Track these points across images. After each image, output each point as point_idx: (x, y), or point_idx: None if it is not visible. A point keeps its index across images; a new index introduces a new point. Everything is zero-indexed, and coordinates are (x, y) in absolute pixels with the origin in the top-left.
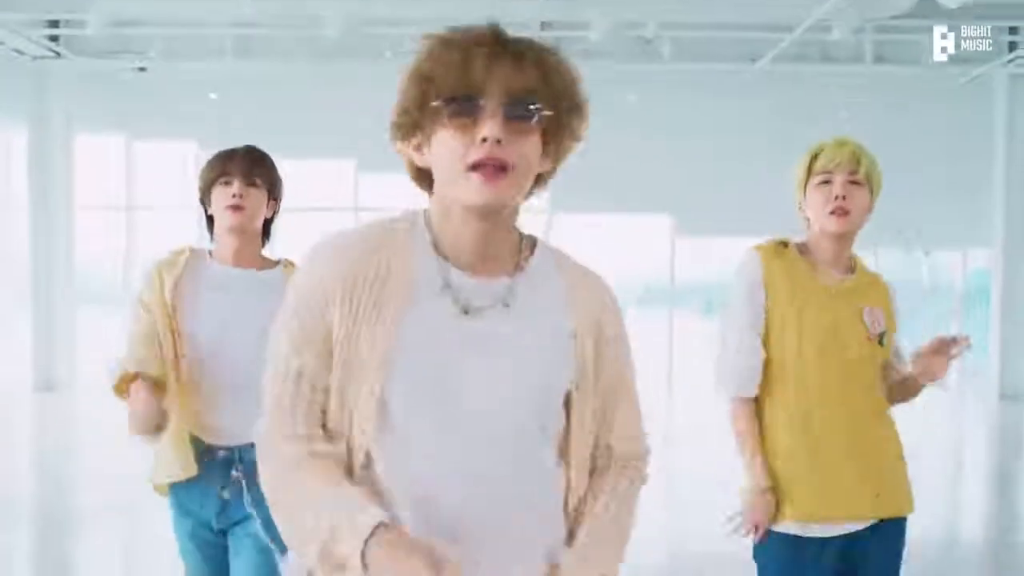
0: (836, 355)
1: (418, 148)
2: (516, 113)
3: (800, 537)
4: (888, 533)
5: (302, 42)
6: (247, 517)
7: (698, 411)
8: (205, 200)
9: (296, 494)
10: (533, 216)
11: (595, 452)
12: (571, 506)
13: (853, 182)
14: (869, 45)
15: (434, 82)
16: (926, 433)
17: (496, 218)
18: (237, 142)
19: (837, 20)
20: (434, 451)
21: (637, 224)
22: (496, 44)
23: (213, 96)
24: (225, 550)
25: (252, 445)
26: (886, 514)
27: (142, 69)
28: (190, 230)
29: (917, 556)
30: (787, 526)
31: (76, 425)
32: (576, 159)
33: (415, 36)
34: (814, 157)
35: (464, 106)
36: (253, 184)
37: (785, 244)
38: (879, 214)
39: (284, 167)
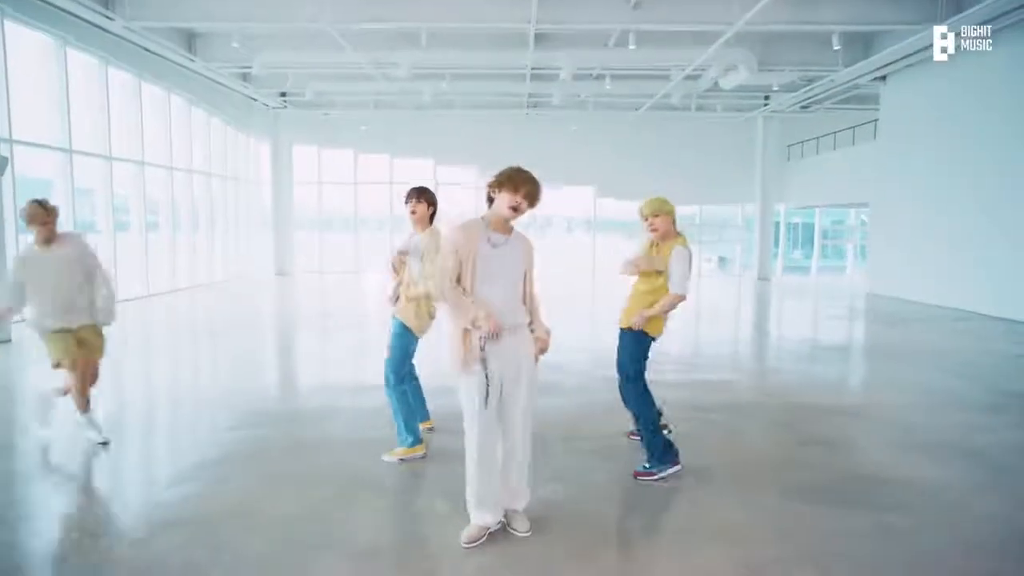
0: (642, 276)
1: (495, 192)
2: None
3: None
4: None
5: (409, 101)
6: None
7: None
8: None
9: (455, 298)
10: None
11: (530, 287)
12: (526, 303)
13: (655, 217)
14: (693, 103)
15: (507, 182)
16: (725, 294)
17: (508, 222)
18: (377, 151)
19: (673, 93)
20: (488, 291)
21: (578, 190)
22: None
23: (363, 128)
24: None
25: None
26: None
27: (326, 115)
28: (348, 196)
29: (709, 353)
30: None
31: (297, 289)
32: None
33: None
34: (640, 210)
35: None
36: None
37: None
38: (705, 187)
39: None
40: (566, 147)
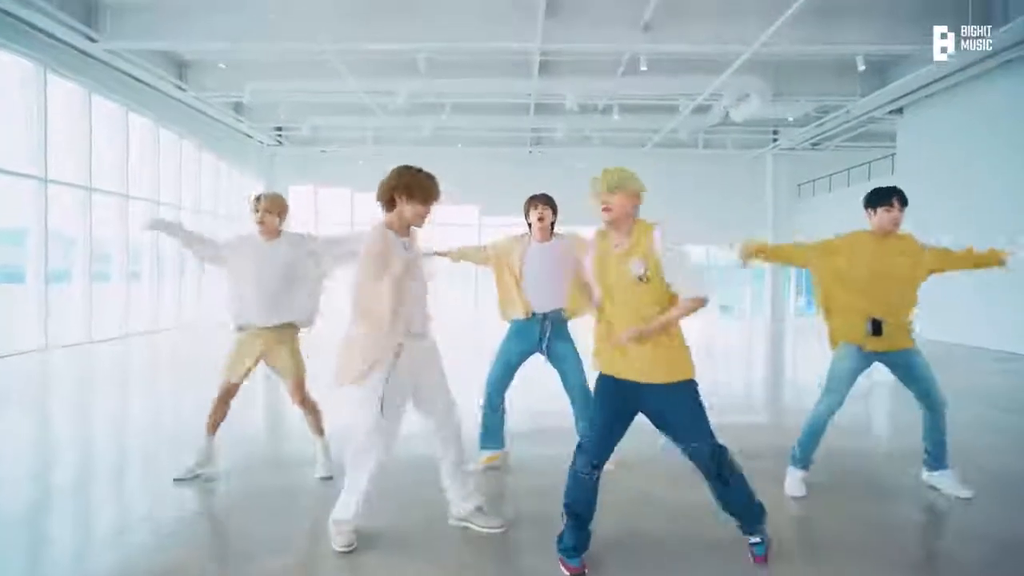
0: (616, 292)
1: (399, 198)
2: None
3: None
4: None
5: (407, 137)
6: (561, 341)
7: None
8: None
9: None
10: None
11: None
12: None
13: (609, 193)
14: (700, 139)
15: (419, 192)
16: (740, 334)
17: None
18: (375, 190)
19: (681, 128)
20: (409, 300)
21: (583, 231)
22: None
23: (360, 163)
24: (524, 360)
25: (553, 311)
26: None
27: (323, 151)
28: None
29: (726, 394)
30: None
31: None
32: (556, 199)
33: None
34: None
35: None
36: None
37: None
38: (713, 227)
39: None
40: (570, 186)
